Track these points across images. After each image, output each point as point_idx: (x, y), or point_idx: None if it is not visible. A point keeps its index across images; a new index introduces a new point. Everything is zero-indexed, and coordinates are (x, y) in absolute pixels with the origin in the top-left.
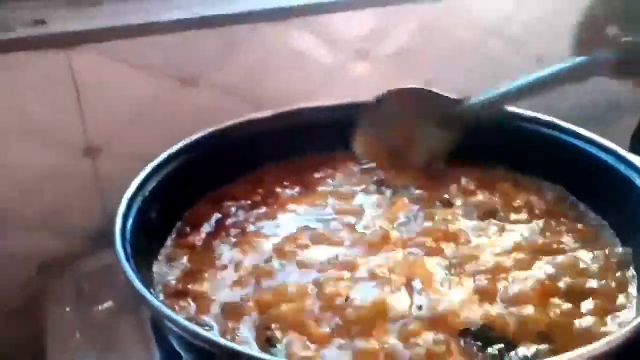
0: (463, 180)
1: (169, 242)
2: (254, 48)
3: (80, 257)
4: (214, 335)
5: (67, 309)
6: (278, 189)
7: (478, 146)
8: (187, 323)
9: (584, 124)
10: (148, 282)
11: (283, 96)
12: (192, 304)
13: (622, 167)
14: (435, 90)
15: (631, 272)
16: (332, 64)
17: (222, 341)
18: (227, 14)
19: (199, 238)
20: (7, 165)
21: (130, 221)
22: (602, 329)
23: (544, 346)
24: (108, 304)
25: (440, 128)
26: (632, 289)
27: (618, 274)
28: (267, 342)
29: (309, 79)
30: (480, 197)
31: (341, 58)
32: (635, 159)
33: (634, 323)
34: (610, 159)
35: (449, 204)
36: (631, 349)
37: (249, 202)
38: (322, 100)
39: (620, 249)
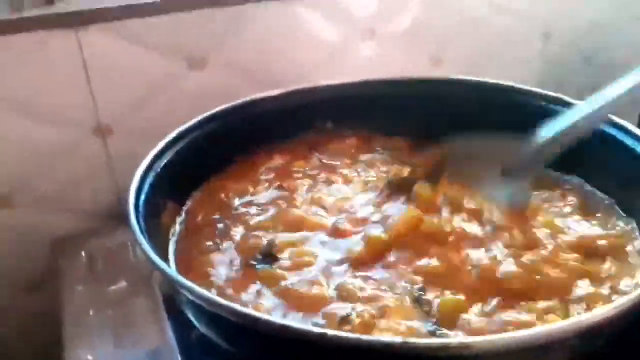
0: None
1: (181, 218)
2: (262, 27)
3: (92, 235)
4: (229, 301)
5: (80, 287)
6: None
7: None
8: (202, 290)
9: None
10: (163, 257)
11: (291, 75)
12: None
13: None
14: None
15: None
16: (339, 43)
17: (238, 307)
18: None
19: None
20: (18, 143)
21: (143, 196)
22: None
23: None
24: (122, 283)
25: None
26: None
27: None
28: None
29: (317, 57)
30: None
31: (349, 37)
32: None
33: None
34: (619, 134)
35: None
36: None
37: (262, 179)
38: (330, 79)
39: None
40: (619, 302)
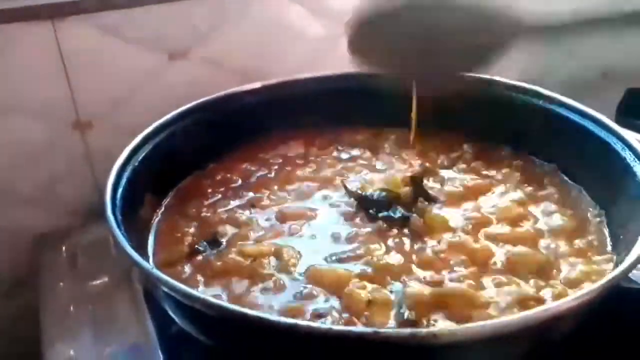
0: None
1: (159, 213)
2: (245, 21)
3: (73, 231)
4: (204, 293)
5: (61, 283)
6: (271, 161)
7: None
8: (177, 283)
9: (575, 94)
10: (141, 251)
11: (274, 69)
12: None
13: (602, 134)
14: None
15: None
16: (323, 37)
17: (212, 299)
18: None
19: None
20: None
21: (120, 190)
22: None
23: None
24: (102, 279)
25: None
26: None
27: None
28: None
29: (300, 52)
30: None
31: (333, 31)
32: (613, 125)
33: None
34: (590, 125)
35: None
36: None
37: (240, 174)
38: (313, 72)
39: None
40: (581, 293)
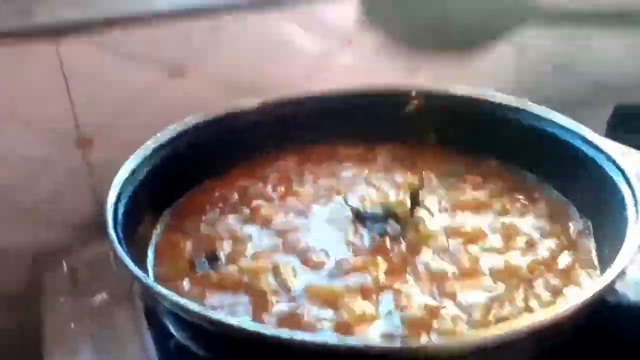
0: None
1: (158, 229)
2: (242, 38)
3: (74, 248)
4: (204, 308)
5: (62, 299)
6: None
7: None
8: (177, 297)
9: (567, 108)
10: (141, 267)
11: (271, 86)
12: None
13: (588, 150)
14: None
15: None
16: (318, 54)
17: (211, 313)
18: (214, 4)
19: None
20: None
21: (121, 206)
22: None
23: None
24: (103, 295)
25: None
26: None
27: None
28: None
29: (297, 68)
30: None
31: (327, 48)
32: (599, 139)
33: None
34: (575, 141)
35: None
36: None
37: (237, 190)
38: (309, 89)
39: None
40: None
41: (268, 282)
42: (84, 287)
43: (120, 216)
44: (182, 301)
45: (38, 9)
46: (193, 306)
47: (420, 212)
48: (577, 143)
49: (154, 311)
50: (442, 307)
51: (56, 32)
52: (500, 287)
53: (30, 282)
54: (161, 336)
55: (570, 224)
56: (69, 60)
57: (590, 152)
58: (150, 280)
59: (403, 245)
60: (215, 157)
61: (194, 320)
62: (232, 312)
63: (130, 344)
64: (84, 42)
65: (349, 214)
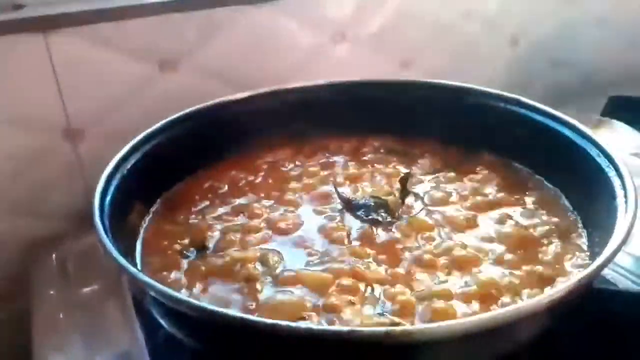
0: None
1: (147, 221)
2: (234, 31)
3: (64, 239)
4: (189, 297)
5: (52, 291)
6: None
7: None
8: (163, 287)
9: (559, 103)
10: (129, 258)
11: (263, 78)
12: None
13: (579, 140)
14: None
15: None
16: (312, 46)
17: (195, 301)
18: None
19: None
20: None
21: (109, 197)
22: None
23: None
24: (92, 286)
25: None
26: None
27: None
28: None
29: (289, 61)
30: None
31: (321, 40)
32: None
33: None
34: (567, 132)
35: None
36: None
37: (227, 181)
38: (302, 82)
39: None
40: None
41: (257, 270)
42: (74, 279)
43: (107, 206)
44: (165, 288)
45: (27, 1)
46: (175, 293)
47: (411, 202)
48: (568, 134)
49: (142, 303)
50: (432, 296)
51: (46, 24)
52: (490, 275)
53: (20, 273)
54: (150, 327)
55: (561, 213)
56: (59, 54)
57: (581, 141)
58: (134, 268)
59: (393, 234)
60: (207, 148)
61: (178, 308)
62: (221, 300)
63: (120, 335)
64: (74, 36)
65: (340, 204)
